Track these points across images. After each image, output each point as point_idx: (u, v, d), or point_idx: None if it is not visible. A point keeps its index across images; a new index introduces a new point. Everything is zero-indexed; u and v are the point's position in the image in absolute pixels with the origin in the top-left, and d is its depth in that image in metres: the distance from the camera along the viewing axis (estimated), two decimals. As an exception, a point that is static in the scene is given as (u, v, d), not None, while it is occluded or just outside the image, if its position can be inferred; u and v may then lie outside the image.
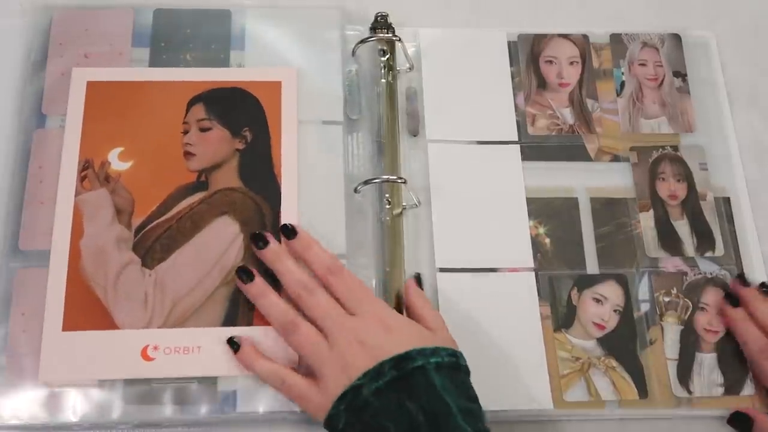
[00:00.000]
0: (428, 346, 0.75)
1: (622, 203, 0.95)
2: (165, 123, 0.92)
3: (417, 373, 0.74)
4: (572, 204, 0.95)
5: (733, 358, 0.89)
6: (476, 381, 0.85)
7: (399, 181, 0.92)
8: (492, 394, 0.85)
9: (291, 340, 0.82)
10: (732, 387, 0.88)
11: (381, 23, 0.99)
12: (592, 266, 0.92)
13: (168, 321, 0.85)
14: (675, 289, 0.91)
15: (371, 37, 0.98)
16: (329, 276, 0.83)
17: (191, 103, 0.94)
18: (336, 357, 0.78)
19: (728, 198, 0.96)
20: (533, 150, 0.97)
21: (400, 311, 0.86)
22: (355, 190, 0.92)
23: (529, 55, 1.02)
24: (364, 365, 0.75)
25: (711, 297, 0.91)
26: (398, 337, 0.77)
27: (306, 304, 0.82)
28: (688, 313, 0.90)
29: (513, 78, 1.01)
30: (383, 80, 0.98)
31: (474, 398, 0.76)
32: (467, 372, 0.78)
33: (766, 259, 0.94)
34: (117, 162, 0.91)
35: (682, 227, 0.94)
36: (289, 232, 0.86)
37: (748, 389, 0.88)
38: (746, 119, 1.01)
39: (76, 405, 0.82)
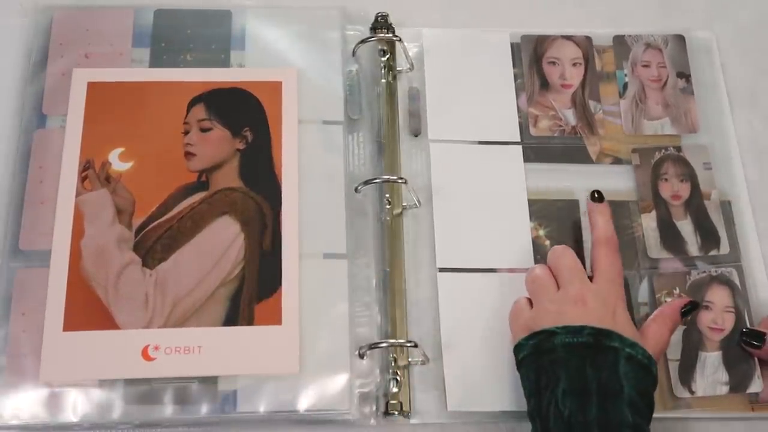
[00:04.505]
0: (629, 338, 0.77)
1: (623, 206, 0.95)
2: (166, 123, 0.93)
3: (609, 351, 0.76)
4: (573, 206, 0.94)
5: (739, 355, 0.88)
6: (476, 381, 0.85)
7: (399, 181, 0.92)
8: (492, 394, 0.86)
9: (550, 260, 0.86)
10: (738, 385, 0.87)
11: (381, 23, 1.00)
12: (592, 268, 0.92)
13: (168, 321, 0.85)
14: (677, 288, 0.91)
15: (371, 37, 0.99)
16: (600, 246, 0.85)
17: (192, 104, 0.94)
18: (558, 300, 0.81)
19: (728, 200, 0.96)
20: (535, 152, 0.96)
21: (401, 310, 0.87)
22: (356, 190, 0.92)
23: (532, 56, 1.01)
24: (570, 322, 0.77)
25: (716, 295, 0.91)
26: (608, 318, 0.79)
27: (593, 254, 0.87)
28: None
29: (516, 79, 1.00)
30: (383, 80, 0.98)
31: (647, 403, 0.76)
32: (654, 383, 0.78)
33: (766, 259, 0.94)
34: (118, 162, 0.91)
35: (686, 227, 0.94)
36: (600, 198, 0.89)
37: (755, 386, 0.87)
38: (746, 120, 1.01)
39: (76, 405, 0.82)
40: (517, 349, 0.80)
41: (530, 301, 0.84)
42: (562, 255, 0.85)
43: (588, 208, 0.89)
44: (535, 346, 0.78)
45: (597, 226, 0.87)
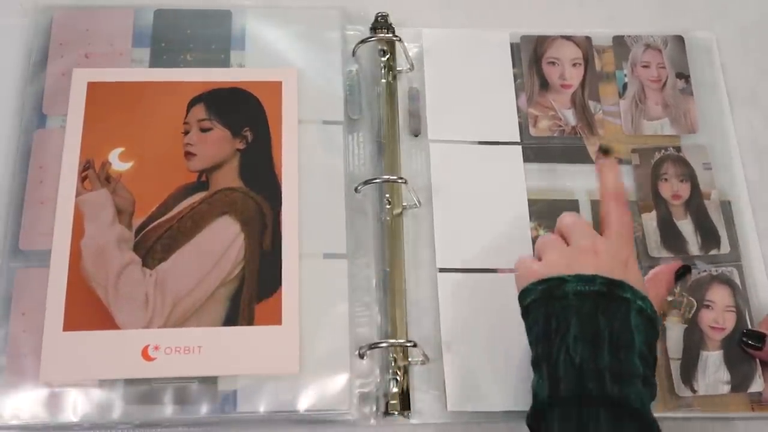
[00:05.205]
0: (641, 290, 0.76)
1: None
2: (166, 123, 0.93)
3: (621, 302, 0.75)
4: (573, 206, 0.94)
5: (740, 355, 0.88)
6: (476, 381, 0.85)
7: (399, 181, 0.92)
8: (492, 394, 0.86)
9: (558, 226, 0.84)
10: (740, 384, 0.87)
11: (381, 23, 1.00)
12: (592, 268, 0.92)
13: (168, 321, 0.85)
14: (678, 287, 0.91)
15: (371, 37, 0.99)
16: (610, 200, 0.84)
17: (192, 104, 0.94)
18: (569, 252, 0.79)
19: (728, 200, 0.96)
20: (535, 152, 0.97)
21: (401, 310, 0.87)
22: (356, 190, 0.92)
23: (531, 57, 1.02)
24: (581, 271, 0.76)
25: (716, 294, 0.91)
26: (619, 269, 0.78)
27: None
28: (693, 311, 0.90)
29: (515, 79, 1.01)
30: (383, 80, 0.98)
31: (654, 356, 0.76)
32: (657, 335, 0.77)
33: (766, 258, 0.94)
34: (118, 162, 0.91)
35: (686, 226, 0.94)
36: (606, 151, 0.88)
37: (756, 386, 0.87)
38: (747, 120, 1.01)
39: (76, 405, 0.82)
40: (524, 294, 0.79)
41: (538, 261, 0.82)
42: (569, 215, 0.83)
43: (596, 166, 0.88)
44: (545, 291, 0.77)
45: (605, 181, 0.85)
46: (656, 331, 0.77)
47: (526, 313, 0.79)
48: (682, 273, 0.88)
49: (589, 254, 0.78)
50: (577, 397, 0.71)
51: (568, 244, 0.80)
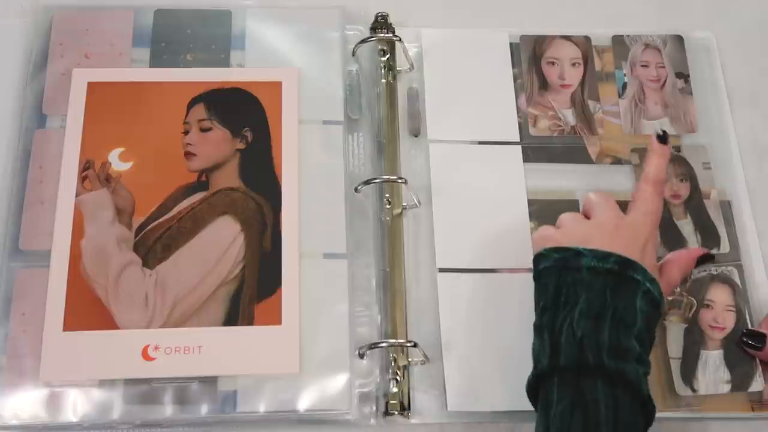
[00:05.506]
0: (651, 273, 0.77)
1: (623, 206, 0.94)
2: (165, 123, 0.93)
3: (631, 282, 0.76)
4: (573, 206, 0.94)
5: (741, 354, 0.88)
6: (476, 381, 0.85)
7: (399, 181, 0.92)
8: (492, 394, 0.85)
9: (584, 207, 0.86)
10: (740, 384, 0.87)
11: (381, 23, 1.00)
12: (592, 268, 0.92)
13: (169, 321, 0.85)
14: (678, 287, 0.91)
15: (371, 37, 0.99)
16: (647, 184, 0.84)
17: (192, 104, 0.94)
18: (589, 225, 0.81)
19: (728, 200, 0.96)
20: (534, 152, 0.97)
21: (401, 310, 0.87)
22: (356, 190, 0.92)
23: (531, 56, 1.02)
24: (598, 245, 0.78)
25: (716, 294, 0.91)
26: (636, 250, 0.79)
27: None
28: (693, 310, 0.90)
29: (515, 79, 1.01)
30: (383, 80, 0.98)
31: (652, 337, 0.78)
32: (659, 317, 0.79)
33: (766, 258, 0.94)
34: (118, 162, 0.91)
35: (686, 226, 0.94)
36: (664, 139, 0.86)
37: (757, 385, 0.87)
38: (746, 120, 1.01)
39: (76, 405, 0.82)
40: (539, 258, 0.80)
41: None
42: (595, 194, 0.84)
43: (649, 147, 0.86)
44: (561, 260, 0.78)
45: (651, 164, 0.84)
46: (659, 313, 0.78)
47: (538, 276, 0.80)
48: (702, 260, 0.89)
49: (608, 230, 0.80)
50: (575, 367, 0.73)
51: (591, 216, 0.83)
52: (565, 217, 0.83)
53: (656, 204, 0.83)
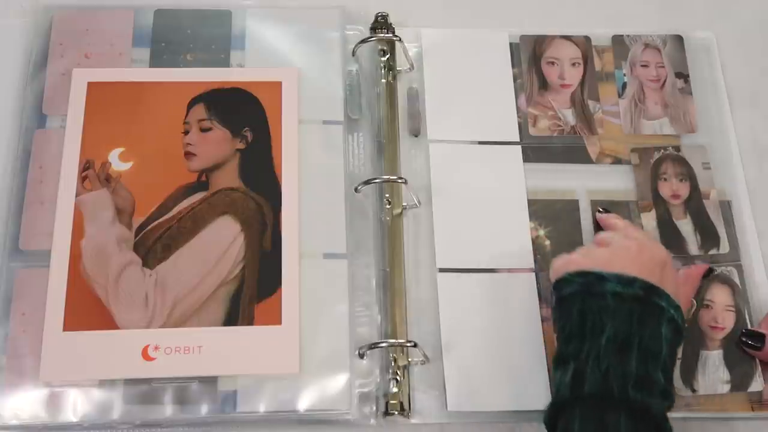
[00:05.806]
0: (674, 298, 0.78)
1: (622, 205, 0.95)
2: (166, 123, 0.93)
3: (656, 309, 0.76)
4: (573, 206, 0.94)
5: (740, 354, 0.88)
6: (476, 381, 0.85)
7: (399, 181, 0.92)
8: (492, 394, 0.85)
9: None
10: (739, 384, 0.88)
11: (381, 23, 1.00)
12: (592, 268, 0.92)
13: (169, 321, 0.85)
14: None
15: (371, 37, 0.99)
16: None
17: (192, 104, 0.94)
18: (610, 251, 0.82)
19: (728, 200, 0.96)
20: (534, 152, 0.97)
21: (401, 310, 0.87)
22: (356, 190, 0.92)
23: (530, 56, 1.02)
24: (621, 269, 0.78)
25: (716, 294, 0.91)
26: (656, 273, 0.80)
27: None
28: (692, 310, 0.90)
29: (515, 79, 1.01)
30: (383, 80, 0.98)
31: (673, 363, 0.78)
32: (681, 342, 0.80)
33: (766, 258, 0.94)
34: (118, 162, 0.91)
35: (685, 226, 0.94)
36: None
37: (756, 385, 0.87)
38: (746, 120, 1.01)
39: (76, 405, 0.82)
40: (562, 283, 0.80)
41: None
42: (613, 216, 0.89)
43: (601, 222, 0.91)
44: (585, 285, 0.78)
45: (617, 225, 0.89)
46: (681, 338, 0.79)
47: (560, 302, 0.80)
48: (707, 274, 0.91)
49: (630, 252, 0.80)
50: (600, 398, 0.73)
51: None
52: (587, 248, 0.84)
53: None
